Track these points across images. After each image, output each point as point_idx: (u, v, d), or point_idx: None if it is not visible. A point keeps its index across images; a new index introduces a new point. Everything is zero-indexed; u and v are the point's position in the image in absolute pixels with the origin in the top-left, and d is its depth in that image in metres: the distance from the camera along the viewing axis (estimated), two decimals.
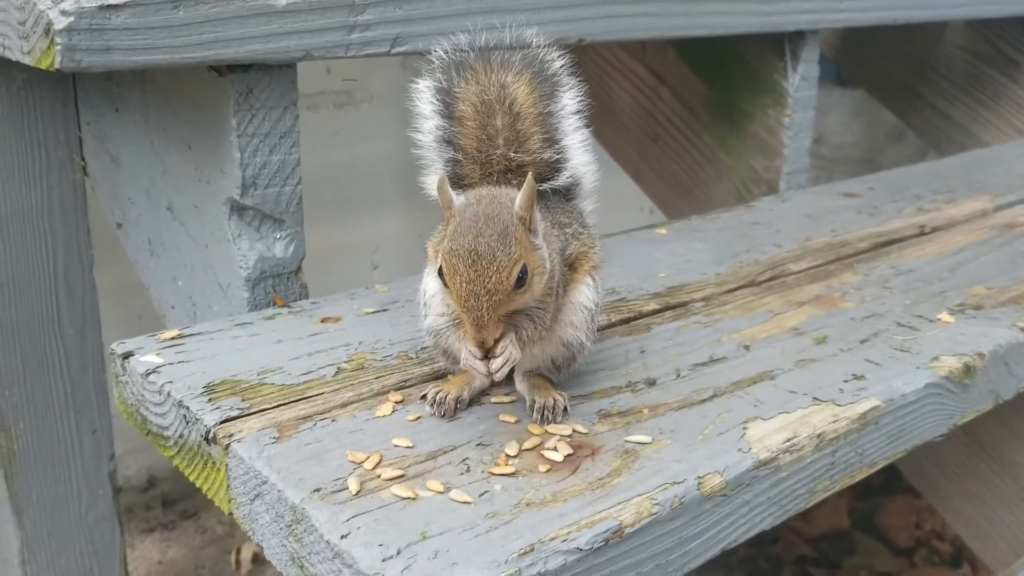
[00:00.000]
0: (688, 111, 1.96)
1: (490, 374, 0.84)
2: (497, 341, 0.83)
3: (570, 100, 0.99)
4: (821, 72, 1.84)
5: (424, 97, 1.00)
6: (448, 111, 0.98)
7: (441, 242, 0.93)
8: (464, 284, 0.80)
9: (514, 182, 0.97)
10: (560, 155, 0.98)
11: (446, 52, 0.99)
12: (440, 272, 0.83)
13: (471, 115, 0.97)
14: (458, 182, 0.99)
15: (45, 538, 1.63)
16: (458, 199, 0.85)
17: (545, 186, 1.00)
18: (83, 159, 1.54)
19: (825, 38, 2.54)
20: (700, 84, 1.91)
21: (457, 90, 0.97)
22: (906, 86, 2.64)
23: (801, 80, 1.77)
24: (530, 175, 0.84)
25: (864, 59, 2.67)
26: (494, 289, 0.80)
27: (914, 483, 1.76)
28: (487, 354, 0.83)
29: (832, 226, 1.58)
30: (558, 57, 0.99)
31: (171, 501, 2.32)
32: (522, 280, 0.82)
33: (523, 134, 0.97)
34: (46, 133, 1.51)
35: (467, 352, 0.84)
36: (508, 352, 0.83)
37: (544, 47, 1.00)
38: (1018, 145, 2.30)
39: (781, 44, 1.75)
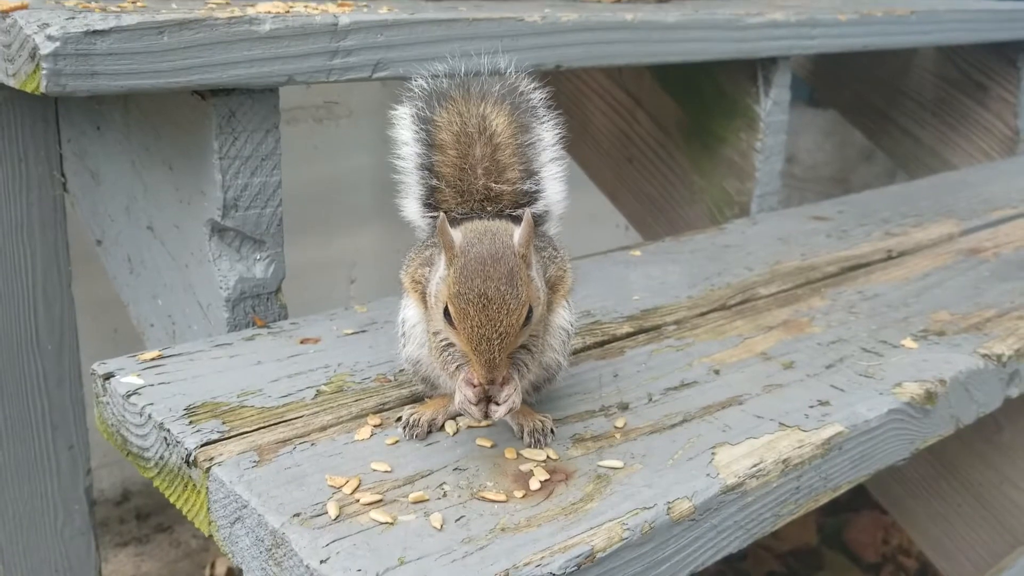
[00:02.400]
0: (663, 133, 1.99)
1: (486, 418, 0.86)
2: (502, 386, 0.85)
3: (547, 131, 1.01)
4: (794, 93, 1.88)
5: (404, 123, 1.01)
6: (428, 139, 1.00)
7: (417, 269, 0.96)
8: (475, 328, 0.82)
9: (489, 209, 0.99)
10: (537, 187, 1.00)
11: (426, 81, 1.01)
12: (446, 313, 0.84)
13: (451, 144, 0.99)
14: (436, 207, 1.01)
15: (21, 553, 1.64)
16: (457, 235, 0.86)
17: (520, 211, 1.02)
18: (63, 176, 1.55)
19: (798, 60, 2.59)
20: (675, 107, 1.95)
21: (437, 119, 0.99)
22: (877, 108, 2.70)
23: (773, 105, 1.81)
24: (528, 213, 0.86)
25: (837, 81, 2.73)
26: (505, 332, 0.82)
27: (881, 502, 1.80)
28: (487, 396, 0.85)
29: (802, 250, 1.62)
30: (536, 89, 1.02)
31: (145, 515, 2.32)
32: (529, 318, 0.84)
33: (502, 164, 0.99)
34: (27, 149, 1.52)
35: (462, 397, 0.86)
36: (512, 401, 0.85)
37: (522, 78, 1.02)
38: (985, 168, 2.35)
39: (753, 70, 1.79)
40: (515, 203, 1.00)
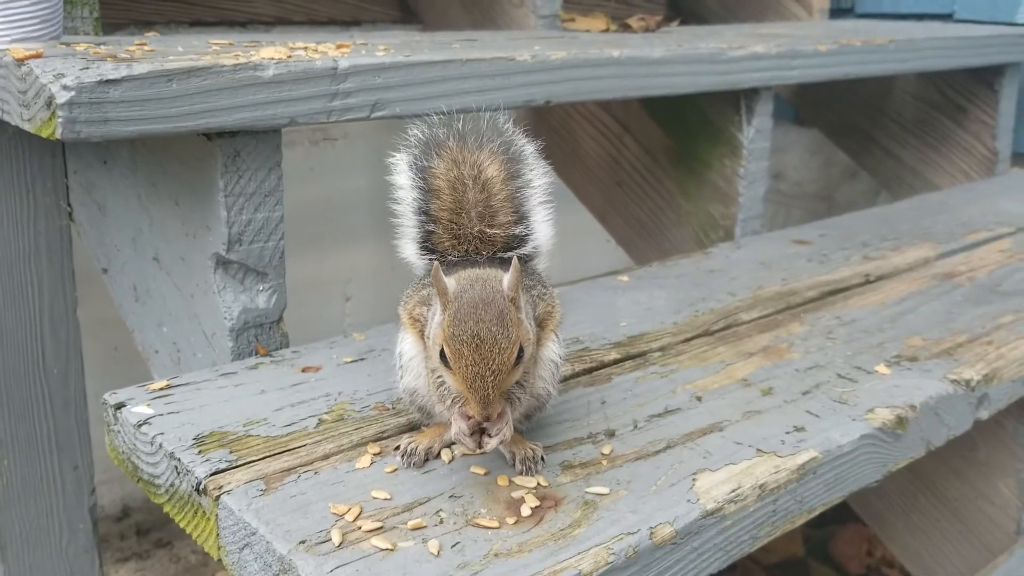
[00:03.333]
0: (651, 158, 2.05)
1: (479, 448, 0.92)
2: (495, 418, 0.90)
3: (537, 177, 1.07)
4: (780, 111, 1.94)
5: (401, 170, 1.08)
6: (425, 185, 1.06)
7: (415, 307, 1.01)
8: (469, 367, 0.87)
9: (484, 252, 1.05)
10: (528, 230, 1.06)
11: (421, 130, 1.06)
12: (442, 355, 0.89)
13: (446, 190, 1.05)
14: (433, 249, 1.07)
15: (27, 571, 1.68)
16: (451, 283, 0.92)
17: (510, 254, 1.08)
18: (69, 206, 1.60)
19: (781, 85, 2.66)
20: (662, 134, 2.01)
21: (433, 167, 1.05)
22: (860, 129, 2.77)
23: (755, 133, 1.87)
24: (515, 259, 0.92)
25: (819, 103, 2.79)
26: (498, 369, 0.87)
27: (862, 516, 1.86)
28: (481, 427, 0.91)
29: (783, 274, 1.68)
30: (527, 140, 1.08)
31: (145, 530, 2.37)
32: (520, 357, 0.90)
33: (494, 208, 1.05)
34: (34, 180, 1.58)
35: (457, 429, 0.92)
36: (503, 434, 0.91)
37: (516, 132, 1.08)
38: (964, 190, 2.42)
39: (736, 99, 1.85)
40: (507, 246, 1.06)
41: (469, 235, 1.05)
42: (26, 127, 1.13)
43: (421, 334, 1.00)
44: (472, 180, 1.05)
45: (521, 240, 1.07)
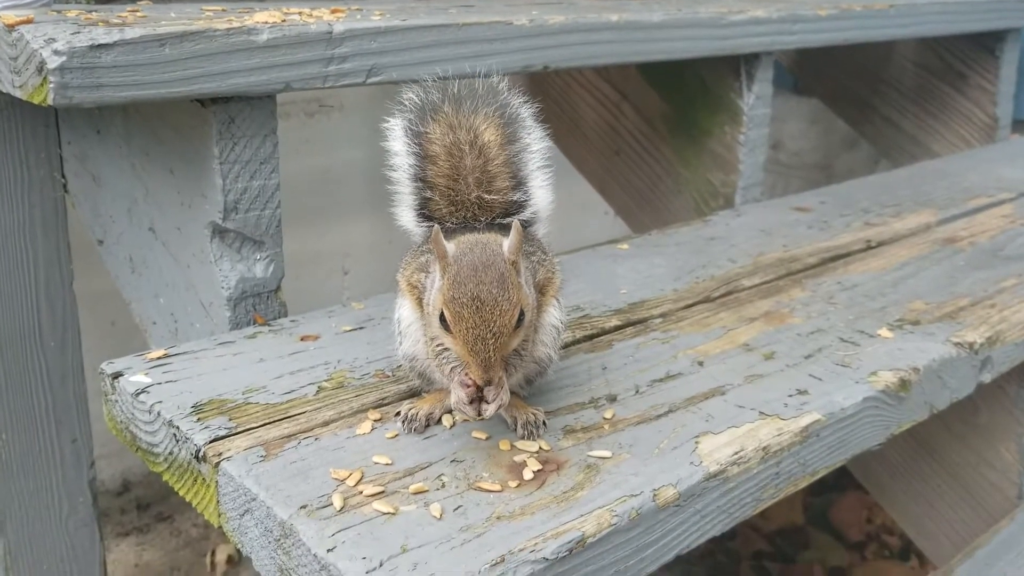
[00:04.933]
0: (649, 126, 2.04)
1: (479, 416, 0.91)
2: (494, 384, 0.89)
3: (535, 141, 1.06)
4: (779, 81, 1.92)
5: (396, 136, 1.06)
6: (421, 151, 1.04)
7: (413, 274, 1.00)
8: (470, 330, 0.86)
9: (482, 218, 1.04)
10: (526, 196, 1.05)
11: (417, 94, 1.05)
12: (442, 318, 0.88)
13: (443, 155, 1.03)
14: (430, 216, 1.06)
15: (27, 544, 1.68)
16: (450, 246, 0.91)
17: (509, 220, 1.06)
18: (64, 177, 1.58)
19: (782, 51, 2.63)
20: (660, 101, 1.99)
21: (429, 132, 1.04)
22: (859, 97, 2.75)
23: (756, 99, 1.85)
24: (516, 222, 0.91)
25: (819, 71, 2.77)
26: (499, 332, 0.86)
27: (863, 483, 1.86)
28: (479, 394, 0.90)
29: (784, 241, 1.67)
30: (523, 103, 1.06)
31: (146, 504, 2.37)
32: (521, 320, 0.89)
33: (491, 174, 1.03)
34: (27, 151, 1.56)
35: (456, 398, 0.91)
36: (500, 399, 0.90)
37: (512, 93, 1.06)
38: (965, 157, 2.40)
39: (736, 65, 1.83)
40: (505, 212, 1.04)
41: (467, 201, 1.04)
42: (18, 94, 1.11)
43: (419, 300, 0.99)
44: (469, 145, 1.03)
45: (520, 206, 1.05)
